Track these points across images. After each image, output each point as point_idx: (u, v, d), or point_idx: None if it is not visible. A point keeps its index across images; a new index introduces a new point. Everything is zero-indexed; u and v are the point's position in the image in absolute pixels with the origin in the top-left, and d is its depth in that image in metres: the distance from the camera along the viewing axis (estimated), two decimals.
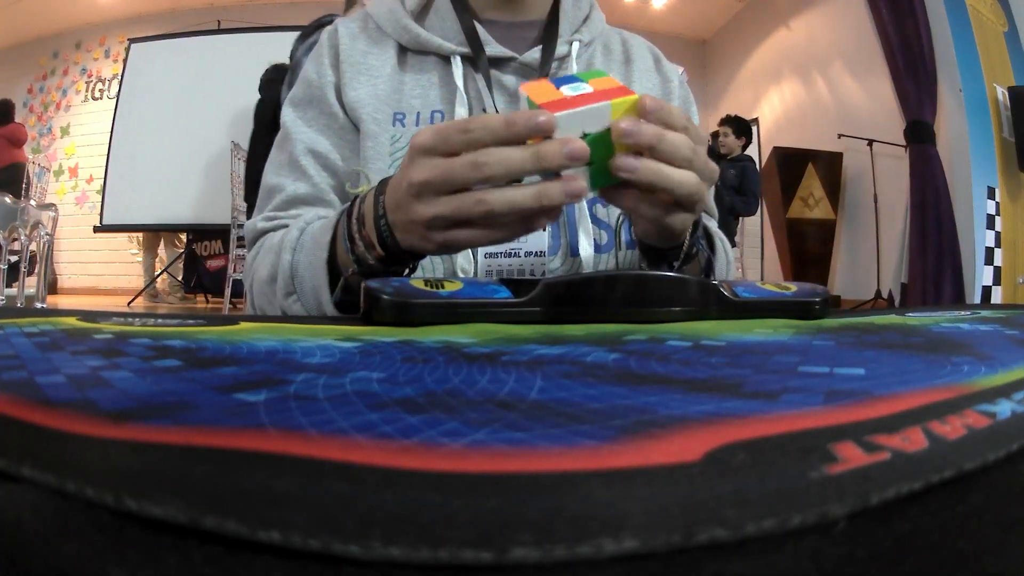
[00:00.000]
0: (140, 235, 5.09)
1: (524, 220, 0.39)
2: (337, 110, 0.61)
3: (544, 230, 0.40)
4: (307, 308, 0.51)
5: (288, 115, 0.63)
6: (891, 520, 0.10)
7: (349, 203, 0.48)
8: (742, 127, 3.65)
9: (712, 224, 0.61)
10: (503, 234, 0.40)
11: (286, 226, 0.58)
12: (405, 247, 0.43)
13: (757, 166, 3.79)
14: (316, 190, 0.60)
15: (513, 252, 0.58)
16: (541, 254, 0.58)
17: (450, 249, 0.42)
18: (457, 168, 0.38)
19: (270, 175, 0.62)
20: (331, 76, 0.62)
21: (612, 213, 0.60)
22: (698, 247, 0.52)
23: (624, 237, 0.60)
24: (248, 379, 0.18)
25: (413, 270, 0.49)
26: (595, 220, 0.60)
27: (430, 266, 0.58)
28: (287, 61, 2.28)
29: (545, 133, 0.36)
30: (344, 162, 0.61)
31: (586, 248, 0.58)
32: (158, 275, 4.89)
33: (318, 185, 0.60)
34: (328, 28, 0.66)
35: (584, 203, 0.59)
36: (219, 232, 4.50)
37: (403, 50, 0.63)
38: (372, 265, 0.45)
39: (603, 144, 0.37)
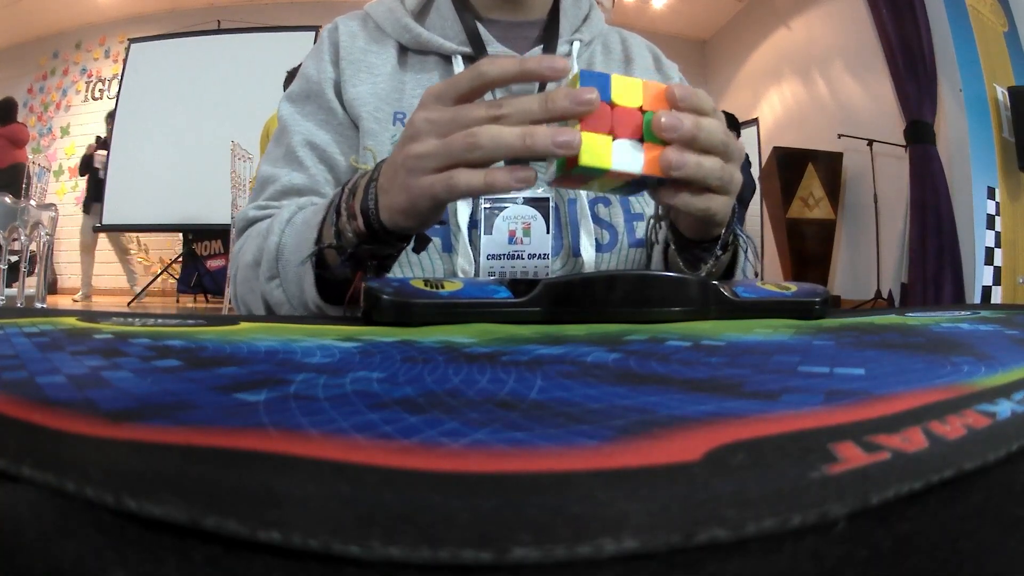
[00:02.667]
0: (138, 236, 5.10)
1: (510, 172, 0.36)
2: (336, 106, 0.61)
3: (535, 174, 0.37)
4: (288, 295, 0.48)
5: (285, 109, 0.62)
6: (891, 520, 0.10)
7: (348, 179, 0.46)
8: (730, 122, 3.70)
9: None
10: (486, 182, 0.36)
11: None
12: (385, 214, 0.40)
13: (749, 159, 3.81)
14: (312, 181, 0.59)
15: (516, 255, 0.58)
16: (544, 256, 0.58)
17: (428, 205, 0.38)
18: (470, 109, 0.36)
19: (265, 166, 0.61)
20: (331, 73, 0.62)
21: (614, 212, 0.60)
22: (734, 232, 0.50)
23: (629, 238, 0.60)
24: (248, 379, 0.18)
25: (384, 268, 0.46)
26: (597, 220, 0.60)
27: (430, 267, 0.57)
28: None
29: (559, 76, 0.36)
30: (343, 157, 0.60)
31: (587, 249, 0.58)
32: (158, 275, 4.89)
33: (314, 177, 0.59)
34: (328, 26, 0.66)
35: (585, 203, 0.59)
36: (219, 232, 4.50)
37: (403, 50, 0.63)
38: (351, 240, 0.42)
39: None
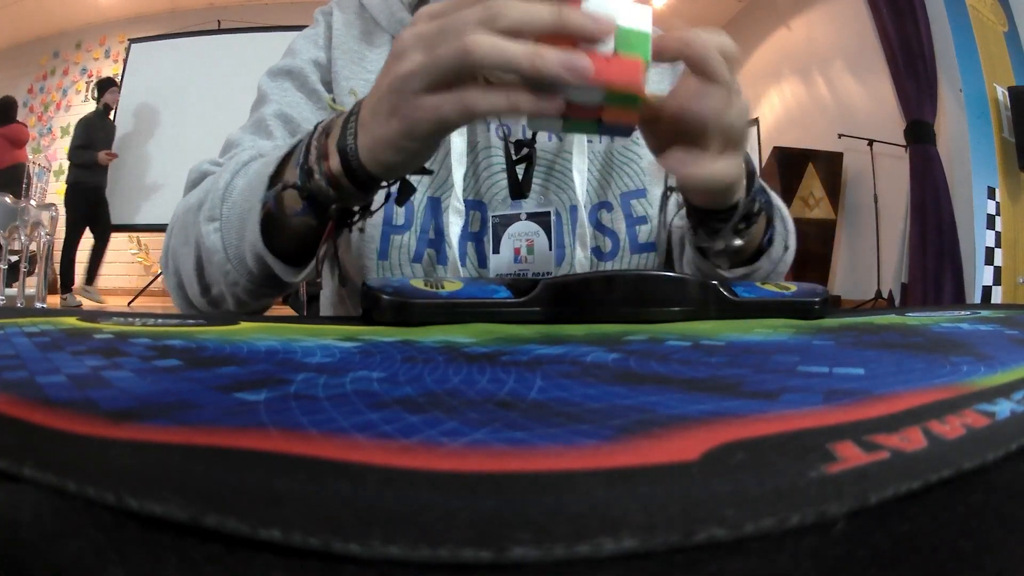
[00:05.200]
0: (138, 236, 5.10)
1: (513, 99, 0.31)
2: (320, 89, 0.59)
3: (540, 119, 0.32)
4: (226, 242, 0.42)
5: (265, 82, 0.60)
6: (890, 520, 0.10)
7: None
8: None
9: (774, 195, 0.55)
10: (509, 102, 0.31)
11: None
12: (365, 150, 0.35)
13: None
14: (277, 152, 0.56)
15: (521, 274, 0.57)
16: (548, 275, 0.57)
17: (428, 131, 0.33)
18: (460, 14, 0.31)
19: (234, 133, 0.58)
20: (322, 57, 0.60)
21: (616, 218, 0.59)
22: (760, 202, 0.46)
23: (632, 244, 0.59)
24: (248, 379, 0.18)
25: (346, 223, 0.41)
26: (599, 227, 0.59)
27: (431, 272, 0.57)
28: None
29: (600, 36, 0.31)
30: None
31: (581, 260, 0.57)
32: (158, 275, 4.88)
33: (280, 148, 0.56)
34: (323, 8, 0.64)
35: (583, 211, 0.58)
36: None
37: None
38: (318, 183, 0.37)
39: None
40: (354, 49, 0.60)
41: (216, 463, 0.11)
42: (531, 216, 0.57)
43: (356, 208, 0.40)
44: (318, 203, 0.38)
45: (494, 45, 0.30)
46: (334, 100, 0.57)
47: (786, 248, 0.54)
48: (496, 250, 0.57)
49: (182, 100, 4.67)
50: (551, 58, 0.29)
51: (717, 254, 0.49)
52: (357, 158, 0.36)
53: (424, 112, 0.32)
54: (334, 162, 0.37)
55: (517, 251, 0.57)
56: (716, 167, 0.37)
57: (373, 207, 0.42)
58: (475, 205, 0.58)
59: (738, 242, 0.46)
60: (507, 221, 0.57)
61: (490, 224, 0.57)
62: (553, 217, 0.57)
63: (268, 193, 0.40)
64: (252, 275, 0.43)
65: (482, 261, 0.57)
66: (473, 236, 0.57)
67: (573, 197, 0.58)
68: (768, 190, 0.51)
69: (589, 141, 0.60)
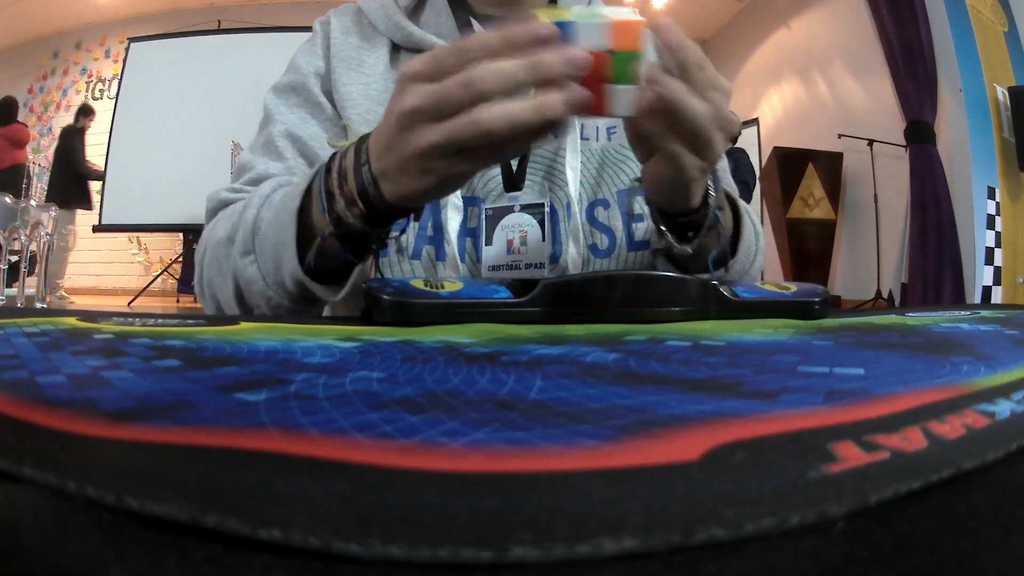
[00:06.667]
0: (138, 236, 5.10)
1: (526, 136, 0.35)
2: (323, 100, 0.60)
3: (554, 137, 0.36)
4: (263, 271, 0.46)
5: (271, 100, 0.62)
6: (891, 520, 0.10)
7: (328, 159, 0.43)
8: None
9: (743, 203, 0.57)
10: (506, 154, 0.38)
11: None
12: (393, 198, 0.39)
13: (750, 158, 3.83)
14: (288, 172, 0.57)
15: (514, 265, 0.57)
16: (541, 266, 0.57)
17: (451, 182, 0.38)
18: (449, 89, 0.34)
19: (245, 155, 0.60)
20: (321, 67, 0.61)
21: (612, 216, 0.59)
22: (716, 219, 0.48)
23: (628, 241, 0.59)
24: (248, 379, 0.18)
25: (384, 243, 0.45)
26: (594, 223, 0.59)
27: (430, 269, 0.57)
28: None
29: (546, 44, 0.34)
30: (325, 151, 0.58)
31: (573, 256, 0.57)
32: (158, 275, 4.89)
33: (292, 168, 0.57)
34: (321, 18, 0.65)
35: (576, 208, 0.58)
36: None
37: (396, 48, 0.62)
38: (352, 225, 0.40)
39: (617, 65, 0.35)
40: (352, 56, 0.61)
41: (216, 463, 0.11)
42: (525, 208, 0.57)
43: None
44: (354, 240, 0.42)
45: (503, 116, 0.33)
46: (332, 139, 0.58)
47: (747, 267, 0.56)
48: (489, 242, 0.57)
49: (182, 100, 4.66)
50: (555, 103, 0.33)
51: (663, 254, 0.52)
52: (385, 204, 0.39)
53: (449, 175, 0.37)
54: (362, 208, 0.40)
55: (510, 243, 0.57)
56: (686, 159, 0.38)
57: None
58: (472, 201, 0.58)
59: (688, 249, 0.48)
60: (501, 213, 0.57)
61: (483, 216, 0.57)
62: (547, 210, 0.58)
63: (310, 255, 0.43)
64: (293, 296, 0.46)
65: (480, 257, 0.58)
66: (471, 232, 0.58)
67: (569, 193, 0.58)
68: (737, 203, 0.53)
69: (584, 138, 0.60)
